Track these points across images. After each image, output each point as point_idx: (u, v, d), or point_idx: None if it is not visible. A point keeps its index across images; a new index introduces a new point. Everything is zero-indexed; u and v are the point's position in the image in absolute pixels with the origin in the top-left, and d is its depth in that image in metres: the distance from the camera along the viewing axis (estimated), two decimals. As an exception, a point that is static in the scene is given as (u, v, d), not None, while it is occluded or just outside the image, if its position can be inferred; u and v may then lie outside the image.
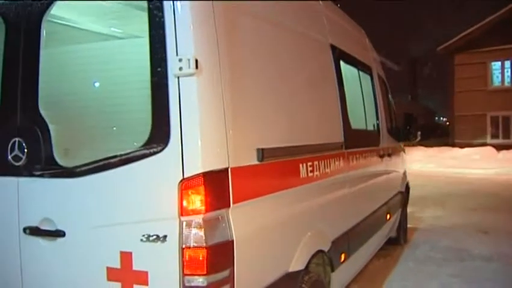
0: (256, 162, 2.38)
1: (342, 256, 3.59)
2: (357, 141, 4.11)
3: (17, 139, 2.40)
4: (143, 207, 2.12)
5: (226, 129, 2.14)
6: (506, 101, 23.03)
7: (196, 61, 2.01)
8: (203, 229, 2.03)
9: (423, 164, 17.34)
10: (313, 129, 3.29)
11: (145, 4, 2.12)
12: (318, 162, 3.18)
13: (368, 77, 5.07)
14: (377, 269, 5.39)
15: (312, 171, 3.07)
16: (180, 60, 2.01)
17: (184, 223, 2.04)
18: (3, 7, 2.50)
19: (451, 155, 19.25)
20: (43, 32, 2.42)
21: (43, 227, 2.33)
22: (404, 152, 6.70)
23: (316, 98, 3.41)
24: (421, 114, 52.78)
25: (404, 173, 6.60)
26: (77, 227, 2.27)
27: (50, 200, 2.35)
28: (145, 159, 2.09)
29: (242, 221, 2.21)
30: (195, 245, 2.02)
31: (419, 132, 6.10)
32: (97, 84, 2.54)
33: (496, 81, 24.51)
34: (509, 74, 24.19)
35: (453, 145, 23.02)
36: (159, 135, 2.06)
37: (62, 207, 2.32)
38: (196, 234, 2.02)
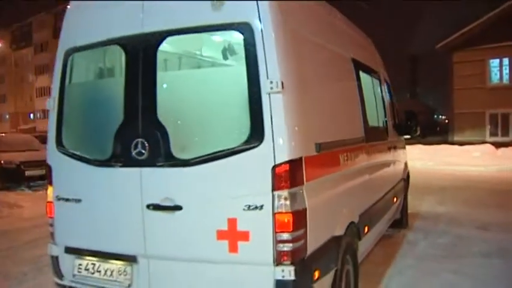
0: (315, 153, 3.20)
1: (366, 228, 4.44)
2: (373, 136, 4.93)
3: (139, 140, 3.18)
4: (245, 186, 2.94)
5: (300, 129, 2.98)
6: (505, 99, 23.04)
7: (282, 82, 2.84)
8: (288, 200, 2.85)
9: (422, 162, 17.34)
10: (347, 127, 4.22)
11: (241, 41, 2.95)
12: (351, 153, 4.07)
13: (378, 81, 5.89)
14: (375, 265, 5.42)
15: (347, 159, 3.96)
16: (271, 82, 2.84)
17: (276, 195, 2.85)
18: (122, 39, 3.32)
19: (450, 152, 19.25)
20: (158, 59, 3.22)
21: (163, 204, 3.12)
22: (405, 145, 7.38)
23: (347, 102, 4.35)
24: (420, 112, 52.83)
25: (406, 163, 7.40)
26: (193, 202, 3.07)
27: (169, 183, 3.14)
28: (246, 152, 2.91)
29: (311, 195, 3.04)
30: (283, 211, 2.85)
31: (418, 127, 6.79)
32: (204, 98, 3.23)
33: (495, 78, 24.52)
34: (507, 71, 24.20)
35: (452, 143, 23.04)
36: (256, 135, 2.88)
37: (179, 188, 3.11)
38: (284, 204, 2.85)
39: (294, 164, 2.90)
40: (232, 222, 2.93)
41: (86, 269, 3.47)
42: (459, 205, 9.30)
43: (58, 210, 3.65)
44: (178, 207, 3.08)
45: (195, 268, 3.12)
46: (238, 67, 3.14)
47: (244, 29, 2.94)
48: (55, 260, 3.68)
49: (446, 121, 37.96)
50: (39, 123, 66.14)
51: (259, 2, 2.91)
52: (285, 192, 2.85)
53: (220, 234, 2.97)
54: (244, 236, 2.91)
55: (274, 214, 2.85)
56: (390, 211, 6.05)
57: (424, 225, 7.41)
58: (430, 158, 18.19)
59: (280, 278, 2.87)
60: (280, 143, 2.86)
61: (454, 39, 24.95)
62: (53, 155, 3.69)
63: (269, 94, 2.85)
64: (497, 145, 19.70)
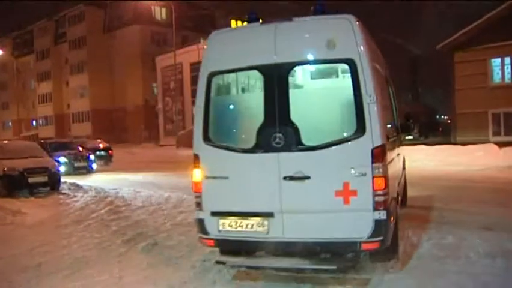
0: (387, 141, 4.83)
1: (399, 199, 6.06)
2: (397, 130, 6.88)
3: (277, 134, 4.75)
4: (354, 161, 4.60)
5: (382, 125, 4.66)
6: (507, 98, 22.98)
7: (376, 97, 4.60)
8: (381, 169, 4.56)
9: (425, 162, 17.29)
10: (392, 124, 6.07)
11: (348, 70, 4.68)
12: (394, 142, 5.93)
13: (392, 90, 7.48)
14: (378, 265, 5.40)
15: (394, 146, 5.87)
16: (369, 96, 4.58)
17: (374, 167, 4.55)
18: (260, 66, 4.94)
19: (452, 152, 19.20)
20: (289, 81, 4.89)
21: (296, 175, 4.70)
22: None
23: (389, 106, 6.20)
24: (422, 112, 52.61)
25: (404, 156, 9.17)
26: (318, 173, 4.68)
27: (300, 161, 4.72)
28: (354, 140, 4.63)
29: (388, 168, 4.77)
30: (379, 175, 4.55)
31: (415, 126, 8.96)
32: (324, 106, 4.98)
33: (497, 78, 24.46)
34: (509, 70, 24.13)
35: (455, 143, 22.97)
36: (360, 129, 4.60)
37: (308, 165, 4.70)
38: (379, 171, 4.55)
39: (382, 147, 4.61)
40: (346, 184, 4.59)
41: (230, 226, 4.94)
42: (462, 205, 9.24)
43: (206, 186, 5.06)
44: (307, 177, 4.68)
45: (318, 216, 4.71)
46: (346, 86, 4.71)
47: (350, 62, 4.65)
48: (201, 221, 5.10)
49: (449, 121, 37.84)
50: (42, 130, 66.29)
51: (358, 46, 4.62)
52: (379, 165, 4.56)
53: (337, 193, 4.61)
54: (354, 193, 4.58)
55: (373, 178, 4.54)
56: (403, 190, 8.05)
57: (427, 226, 7.37)
58: (433, 158, 18.14)
59: (377, 218, 4.57)
60: (376, 134, 4.57)
61: (455, 39, 24.92)
62: (200, 147, 5.12)
63: (368, 104, 4.57)
64: (500, 144, 19.60)
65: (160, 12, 55.19)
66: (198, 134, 5.11)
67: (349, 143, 4.62)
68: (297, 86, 5.49)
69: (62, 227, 8.77)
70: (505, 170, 15.14)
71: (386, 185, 4.57)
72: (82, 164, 20.96)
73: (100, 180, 17.50)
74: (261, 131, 4.82)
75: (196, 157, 5.12)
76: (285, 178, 4.70)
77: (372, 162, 4.51)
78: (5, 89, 76.76)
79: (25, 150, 15.01)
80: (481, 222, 7.48)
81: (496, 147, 19.08)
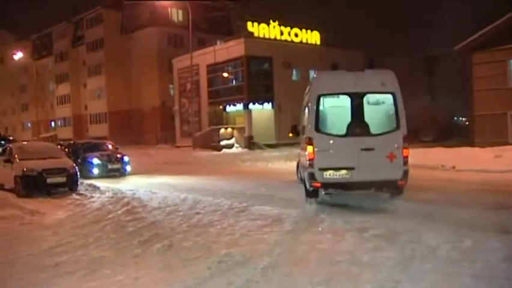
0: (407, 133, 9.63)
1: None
2: None
3: (358, 127, 9.56)
4: (395, 141, 9.46)
5: (404, 122, 9.56)
6: (527, 100, 22.59)
7: (403, 110, 9.68)
8: (407, 144, 9.48)
9: (443, 164, 17.11)
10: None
11: (391, 97, 9.70)
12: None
13: None
14: (391, 270, 5.36)
15: None
16: (402, 110, 9.56)
17: (404, 144, 9.44)
18: (348, 92, 9.70)
19: (470, 155, 18.94)
20: (364, 101, 9.78)
21: (367, 147, 9.42)
22: None
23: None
24: (439, 114, 52.05)
25: None
26: (378, 147, 9.43)
27: (369, 141, 9.47)
28: (395, 132, 9.59)
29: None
30: (405, 147, 9.42)
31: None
32: (380, 114, 10.05)
33: (516, 79, 24.06)
34: (529, 71, 23.75)
35: (473, 145, 22.65)
36: (397, 126, 9.57)
37: (373, 143, 9.45)
38: (406, 146, 9.44)
39: (407, 135, 9.44)
40: (391, 152, 9.31)
41: (329, 175, 9.41)
42: (480, 208, 9.13)
43: (316, 155, 9.43)
44: (373, 149, 9.30)
45: (378, 168, 9.29)
46: (390, 105, 9.64)
47: (393, 93, 9.59)
48: (312, 174, 9.46)
49: (467, 123, 37.34)
50: (60, 131, 67.10)
51: (396, 86, 9.64)
52: (406, 143, 9.38)
53: (387, 156, 9.29)
54: (395, 156, 9.29)
55: (403, 149, 9.33)
56: None
57: (445, 229, 7.29)
58: (450, 161, 17.89)
59: (405, 169, 9.34)
60: (404, 129, 9.43)
61: (473, 40, 24.61)
62: (313, 134, 9.53)
63: (401, 114, 9.47)
64: (520, 147, 19.25)
65: (176, 14, 55.50)
66: (312, 126, 9.58)
67: (392, 132, 9.42)
68: (368, 104, 9.80)
69: (79, 227, 8.86)
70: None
71: (409, 153, 9.24)
72: (116, 166, 19.41)
73: (116, 181, 17.62)
74: (349, 126, 9.49)
75: (310, 139, 9.54)
76: (361, 149, 9.25)
77: (403, 142, 9.26)
78: (24, 91, 77.96)
79: (44, 151, 15.17)
80: (499, 225, 7.39)
81: (515, 149, 18.74)
